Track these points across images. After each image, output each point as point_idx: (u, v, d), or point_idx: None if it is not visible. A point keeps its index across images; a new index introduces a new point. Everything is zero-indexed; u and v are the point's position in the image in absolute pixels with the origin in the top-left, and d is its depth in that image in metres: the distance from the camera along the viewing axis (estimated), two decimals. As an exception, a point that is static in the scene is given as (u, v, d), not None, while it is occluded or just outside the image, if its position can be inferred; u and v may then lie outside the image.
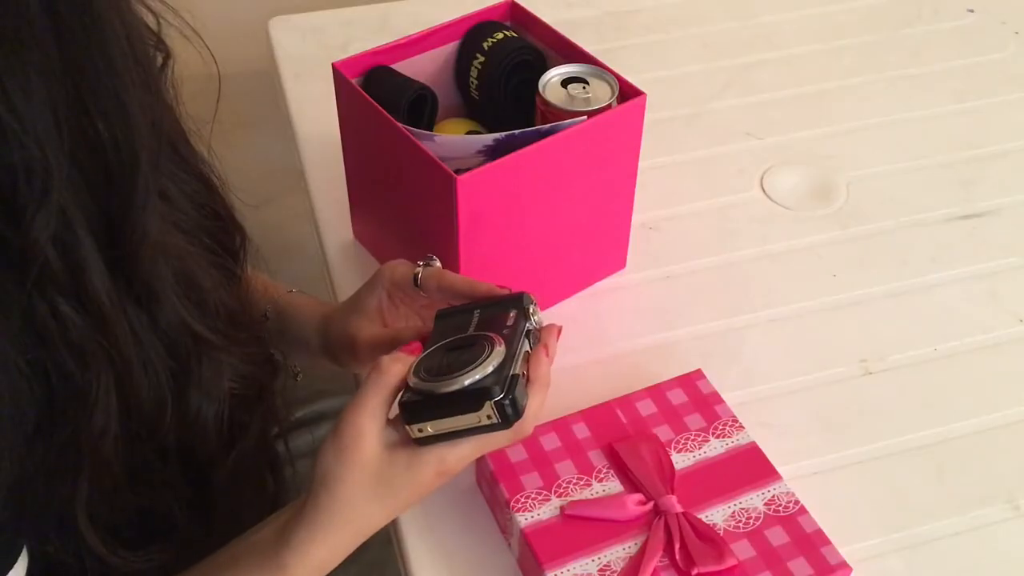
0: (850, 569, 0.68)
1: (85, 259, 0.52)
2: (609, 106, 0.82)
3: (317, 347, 0.79)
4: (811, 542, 0.69)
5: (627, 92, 0.83)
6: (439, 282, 0.69)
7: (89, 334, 0.53)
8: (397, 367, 0.60)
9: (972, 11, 1.30)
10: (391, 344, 0.71)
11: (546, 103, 0.83)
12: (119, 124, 0.51)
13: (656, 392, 0.78)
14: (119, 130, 0.52)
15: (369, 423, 0.59)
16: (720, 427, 0.76)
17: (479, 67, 0.89)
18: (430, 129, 0.89)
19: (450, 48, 0.91)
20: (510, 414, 0.58)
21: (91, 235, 0.52)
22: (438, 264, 0.71)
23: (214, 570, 0.61)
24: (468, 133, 0.91)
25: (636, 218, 0.92)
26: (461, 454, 0.60)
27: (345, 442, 0.58)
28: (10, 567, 0.54)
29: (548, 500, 0.71)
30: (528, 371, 0.62)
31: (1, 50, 0.46)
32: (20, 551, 0.55)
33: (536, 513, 0.70)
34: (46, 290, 0.52)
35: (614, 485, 0.72)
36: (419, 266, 0.70)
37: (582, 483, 0.72)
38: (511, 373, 0.59)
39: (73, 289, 0.53)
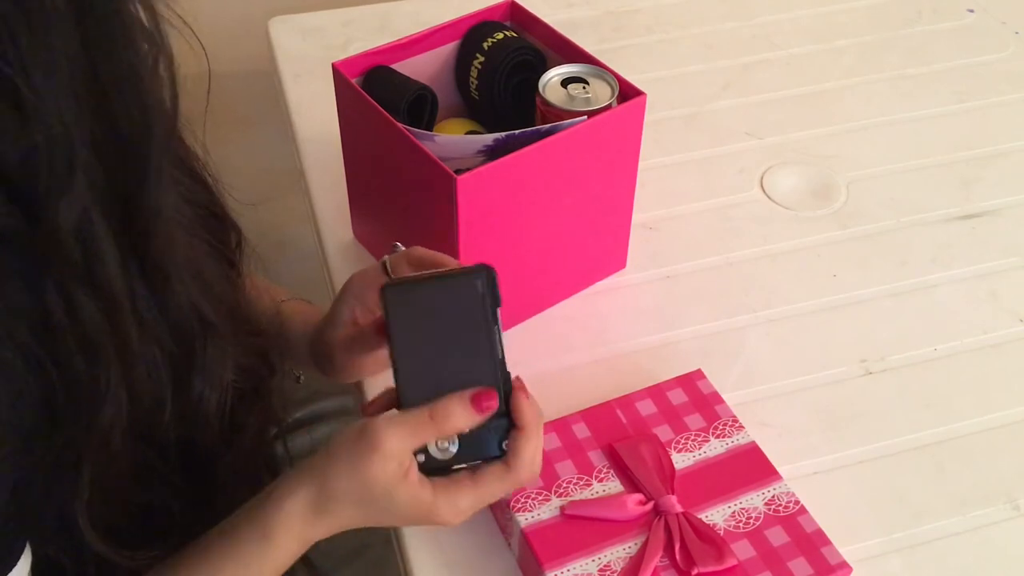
0: (850, 569, 0.68)
1: (101, 245, 0.51)
2: (609, 106, 0.82)
3: (306, 358, 0.79)
4: (811, 542, 0.69)
5: (627, 92, 0.83)
6: (408, 260, 0.68)
7: (101, 325, 0.53)
8: (457, 428, 0.60)
9: (972, 11, 1.30)
10: (361, 340, 0.72)
11: (546, 103, 0.83)
12: (133, 99, 0.51)
13: (656, 392, 0.78)
14: (134, 105, 0.51)
15: (402, 449, 0.59)
16: (720, 427, 0.76)
17: (479, 67, 0.89)
18: (430, 129, 0.89)
19: (450, 48, 0.91)
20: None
21: (105, 219, 0.51)
22: (402, 248, 0.71)
23: (205, 542, 0.62)
24: (468, 133, 0.91)
25: (636, 218, 0.92)
26: (460, 506, 0.61)
27: (365, 458, 0.59)
28: (11, 567, 0.53)
29: (548, 500, 0.71)
30: (515, 418, 0.61)
31: (22, 25, 0.45)
32: (22, 550, 0.54)
33: (536, 513, 0.70)
34: (63, 282, 0.50)
35: (614, 485, 0.72)
36: (386, 257, 0.71)
37: (582, 483, 0.72)
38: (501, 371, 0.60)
39: (88, 278, 0.51)
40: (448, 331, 0.60)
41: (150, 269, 0.55)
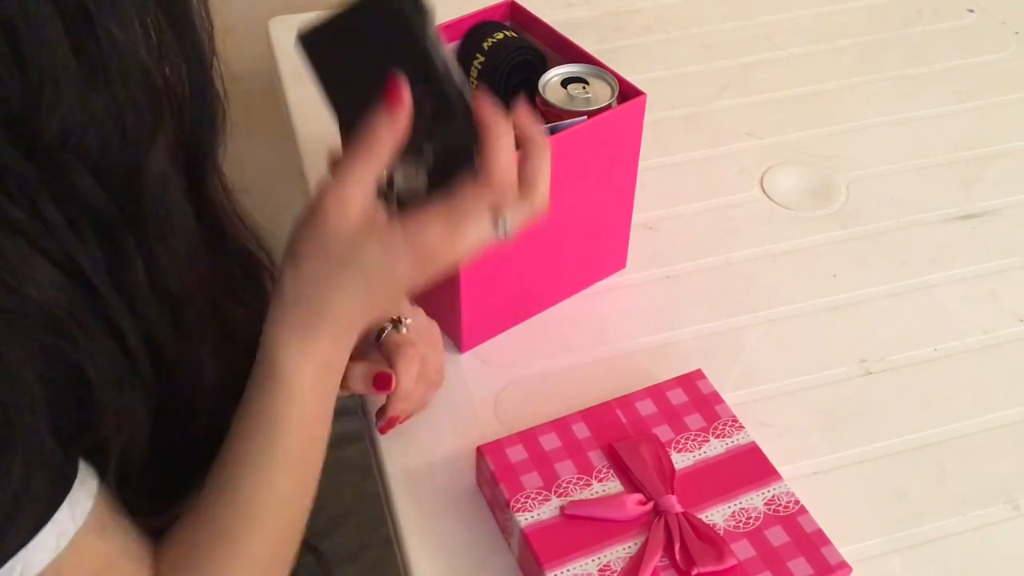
0: (850, 569, 0.68)
1: (177, 195, 0.52)
2: (609, 106, 0.82)
3: None
4: (811, 542, 0.69)
5: (627, 92, 0.83)
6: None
7: (183, 275, 0.53)
8: (388, 143, 0.55)
9: (972, 11, 1.30)
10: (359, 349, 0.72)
11: (546, 103, 0.83)
12: (190, 40, 0.51)
13: (656, 392, 0.78)
14: (191, 47, 0.51)
15: (351, 192, 0.55)
16: (720, 427, 0.76)
17: (479, 67, 0.89)
18: (430, 129, 0.89)
19: (450, 48, 0.91)
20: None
21: (175, 168, 0.52)
22: (405, 329, 0.73)
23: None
24: (468, 133, 0.91)
25: (636, 218, 0.92)
26: (433, 231, 0.55)
27: (318, 213, 0.55)
28: (68, 487, 0.52)
29: (548, 500, 0.71)
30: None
31: None
32: (76, 471, 0.53)
33: (536, 513, 0.70)
34: (143, 241, 0.51)
35: (614, 485, 0.72)
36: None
37: (582, 483, 0.72)
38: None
39: (170, 231, 0.52)
40: (382, 60, 0.55)
41: (208, 212, 0.56)
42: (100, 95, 0.47)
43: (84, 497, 0.53)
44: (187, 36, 0.51)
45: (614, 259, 0.94)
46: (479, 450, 0.74)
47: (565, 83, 0.84)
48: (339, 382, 0.62)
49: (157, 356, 0.55)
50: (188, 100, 0.52)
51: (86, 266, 0.50)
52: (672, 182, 1.04)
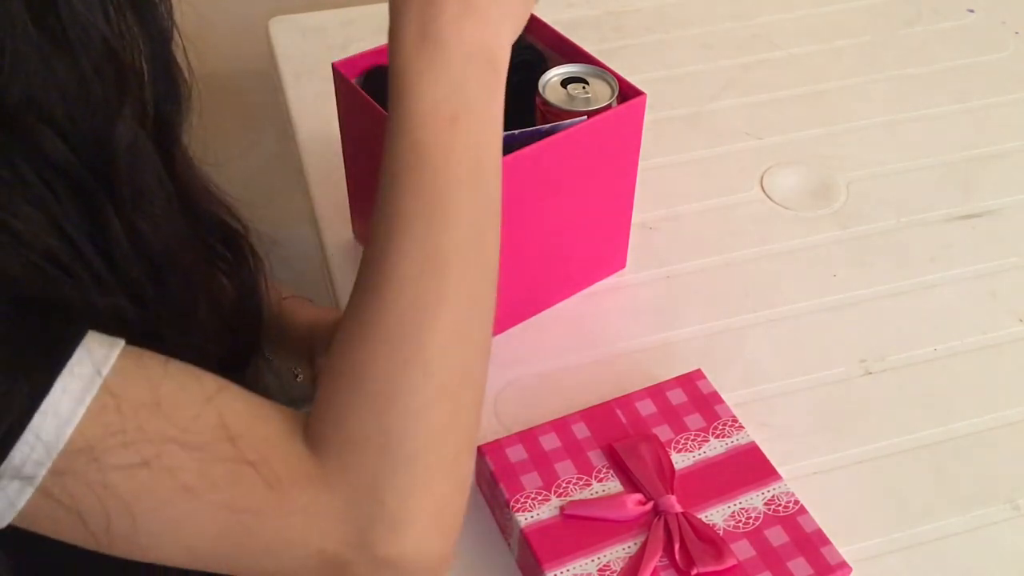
0: (850, 569, 0.68)
1: (150, 163, 0.52)
2: (609, 106, 0.82)
3: (306, 355, 0.79)
4: (811, 542, 0.69)
5: (627, 92, 0.83)
6: None
7: (165, 242, 0.53)
8: None
9: (972, 11, 1.30)
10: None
11: (546, 103, 0.83)
12: (150, 16, 0.52)
13: (656, 392, 0.78)
14: (150, 17, 0.52)
15: None
16: (720, 427, 0.76)
17: (479, 67, 0.89)
18: (430, 129, 0.89)
19: (450, 48, 0.91)
20: None
21: (146, 136, 0.52)
22: None
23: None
24: (468, 133, 0.91)
25: (636, 218, 0.92)
26: None
27: None
28: (80, 333, 0.48)
29: (548, 500, 0.71)
30: None
31: None
32: (85, 326, 0.50)
33: (536, 513, 0.70)
34: (122, 211, 0.51)
35: (614, 485, 0.72)
36: None
37: (582, 483, 0.72)
38: None
39: (146, 200, 0.52)
40: None
41: (177, 184, 0.56)
42: (62, 64, 0.47)
43: (103, 348, 0.49)
44: (147, 13, 0.52)
45: (614, 259, 0.94)
46: (479, 450, 0.74)
47: (565, 83, 0.84)
48: (492, 78, 0.58)
49: (147, 314, 0.55)
50: (152, 76, 0.53)
51: (65, 225, 0.50)
52: (672, 182, 1.04)
